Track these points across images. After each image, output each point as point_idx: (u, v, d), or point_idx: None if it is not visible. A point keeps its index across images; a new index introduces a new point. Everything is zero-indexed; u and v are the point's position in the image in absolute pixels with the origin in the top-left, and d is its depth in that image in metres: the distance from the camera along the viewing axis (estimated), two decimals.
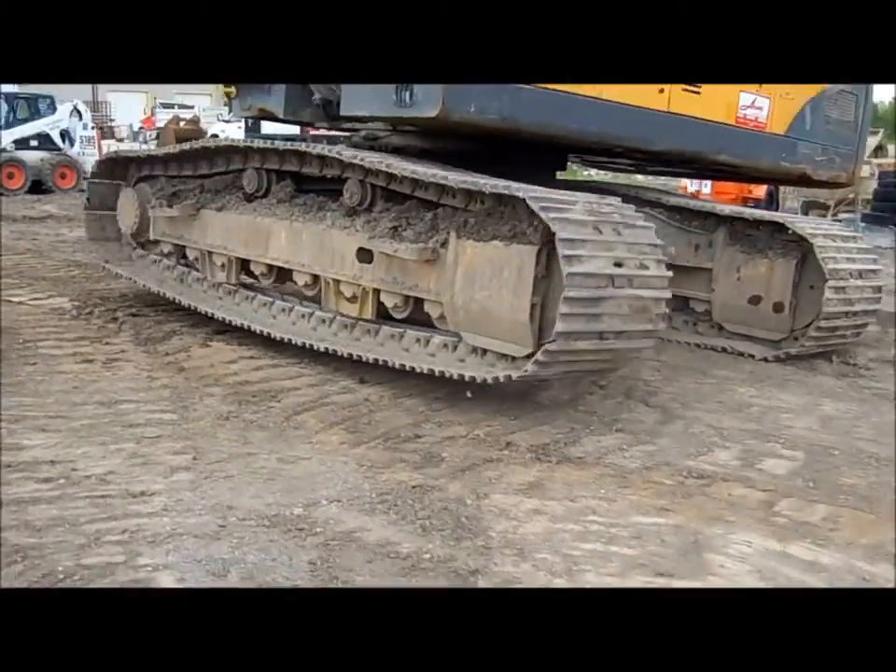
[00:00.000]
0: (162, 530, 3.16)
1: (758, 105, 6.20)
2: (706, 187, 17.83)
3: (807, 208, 17.11)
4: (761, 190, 17.16)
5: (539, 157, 6.30)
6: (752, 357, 6.32)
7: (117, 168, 7.14)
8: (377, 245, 4.97)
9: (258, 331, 5.74)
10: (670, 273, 4.48)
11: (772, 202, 17.17)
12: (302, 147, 5.66)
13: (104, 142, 22.27)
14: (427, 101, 4.80)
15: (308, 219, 5.56)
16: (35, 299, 7.02)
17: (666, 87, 5.59)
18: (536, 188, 4.42)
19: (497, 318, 4.50)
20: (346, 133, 6.78)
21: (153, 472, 3.70)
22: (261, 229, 5.85)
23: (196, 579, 2.81)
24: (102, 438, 4.07)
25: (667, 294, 4.44)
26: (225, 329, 6.24)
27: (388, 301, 5.12)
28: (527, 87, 4.94)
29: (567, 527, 3.39)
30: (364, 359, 5.08)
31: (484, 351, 4.67)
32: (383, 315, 5.25)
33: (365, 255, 5.18)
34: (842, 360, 6.54)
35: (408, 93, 4.91)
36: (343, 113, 5.46)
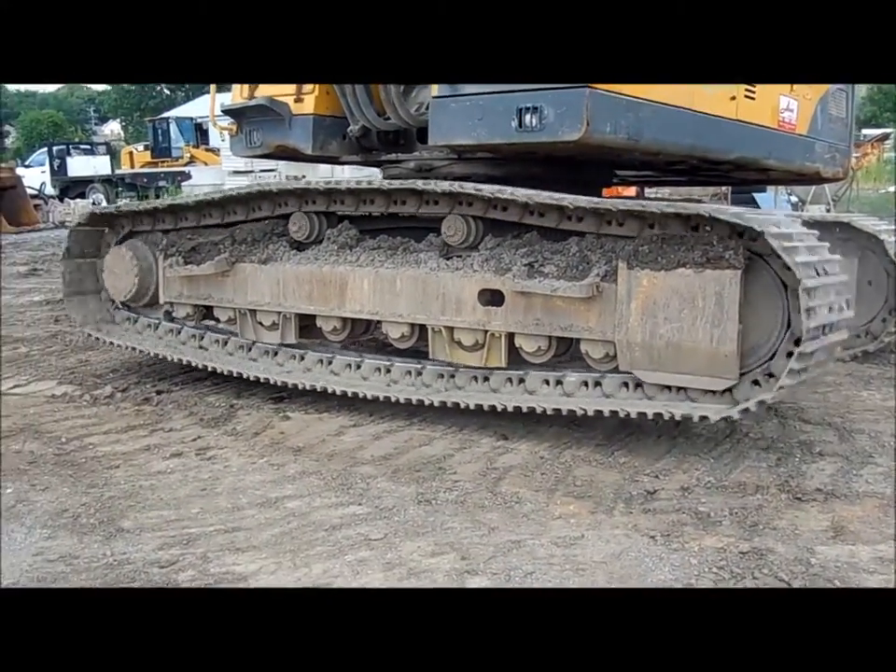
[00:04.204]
0: None
1: (791, 108, 6.20)
2: None
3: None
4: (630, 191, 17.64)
5: (595, 176, 6.04)
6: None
7: (100, 222, 6.18)
8: (521, 286, 4.47)
9: (368, 397, 5.02)
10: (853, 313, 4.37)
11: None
12: (375, 183, 5.07)
13: None
14: (565, 122, 4.40)
15: (400, 263, 4.97)
16: (16, 387, 5.92)
17: (736, 93, 5.46)
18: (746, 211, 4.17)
19: (691, 352, 4.15)
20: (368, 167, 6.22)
21: (442, 585, 3.08)
22: (331, 279, 5.17)
23: None
24: (319, 549, 3.37)
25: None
26: (281, 397, 5.52)
27: (528, 346, 4.61)
28: (647, 103, 4.67)
29: None
30: (506, 409, 4.59)
31: (677, 387, 4.30)
32: (512, 360, 4.76)
33: (491, 297, 4.68)
34: None
35: (535, 116, 4.48)
36: (432, 143, 4.93)
